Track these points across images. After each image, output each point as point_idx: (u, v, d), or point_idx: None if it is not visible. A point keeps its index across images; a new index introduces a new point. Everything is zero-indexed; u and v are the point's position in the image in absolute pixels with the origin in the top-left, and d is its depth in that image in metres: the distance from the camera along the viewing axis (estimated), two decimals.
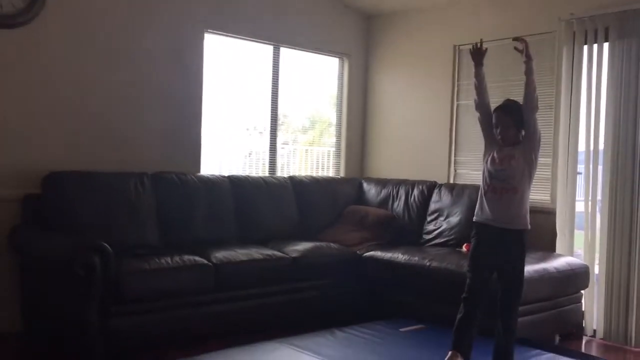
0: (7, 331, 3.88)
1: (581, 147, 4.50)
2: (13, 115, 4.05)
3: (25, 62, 4.09)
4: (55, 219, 3.90)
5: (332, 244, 4.77)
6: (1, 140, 4.00)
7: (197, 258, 3.94)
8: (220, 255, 4.06)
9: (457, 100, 5.42)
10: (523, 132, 3.17)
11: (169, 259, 3.81)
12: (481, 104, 3.30)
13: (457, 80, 5.42)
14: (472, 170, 5.21)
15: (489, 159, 3.22)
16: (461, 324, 3.14)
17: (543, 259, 4.14)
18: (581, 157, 4.52)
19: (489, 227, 3.17)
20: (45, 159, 4.11)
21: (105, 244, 3.46)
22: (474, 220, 3.28)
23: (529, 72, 3.15)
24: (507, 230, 3.14)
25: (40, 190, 3.98)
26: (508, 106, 3.22)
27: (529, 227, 3.19)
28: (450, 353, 3.09)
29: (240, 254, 4.16)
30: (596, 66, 4.43)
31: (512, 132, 3.16)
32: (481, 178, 3.27)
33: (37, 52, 4.13)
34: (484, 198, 3.21)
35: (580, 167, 4.53)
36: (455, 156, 5.44)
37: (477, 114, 3.34)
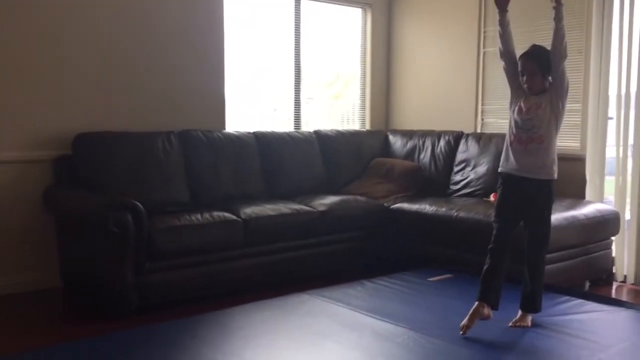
0: (47, 287, 4.04)
1: (612, 91, 4.39)
2: (43, 79, 4.11)
3: (54, 26, 4.11)
4: (86, 179, 3.98)
5: (359, 197, 4.79)
6: (32, 105, 4.07)
7: (226, 214, 4.00)
8: (249, 210, 4.12)
9: (483, 48, 5.29)
10: (550, 79, 3.09)
11: (199, 216, 3.88)
12: (506, 52, 3.20)
13: (483, 27, 5.28)
14: (500, 119, 5.13)
15: (516, 108, 3.15)
16: (487, 274, 3.13)
17: (572, 207, 4.11)
18: (612, 101, 4.42)
19: (514, 178, 3.14)
20: (75, 120, 4.18)
21: (137, 202, 3.54)
22: (499, 170, 3.24)
23: (558, 18, 3.01)
24: (533, 180, 3.09)
25: (71, 151, 4.06)
26: (534, 52, 3.12)
27: (556, 176, 3.14)
28: (476, 304, 3.08)
29: (268, 209, 4.21)
30: (628, 7, 4.27)
31: (539, 79, 3.08)
32: (507, 128, 3.22)
33: (65, 16, 4.15)
34: (509, 148, 3.16)
35: (611, 112, 4.43)
36: (482, 105, 5.35)
37: (502, 63, 3.25)
